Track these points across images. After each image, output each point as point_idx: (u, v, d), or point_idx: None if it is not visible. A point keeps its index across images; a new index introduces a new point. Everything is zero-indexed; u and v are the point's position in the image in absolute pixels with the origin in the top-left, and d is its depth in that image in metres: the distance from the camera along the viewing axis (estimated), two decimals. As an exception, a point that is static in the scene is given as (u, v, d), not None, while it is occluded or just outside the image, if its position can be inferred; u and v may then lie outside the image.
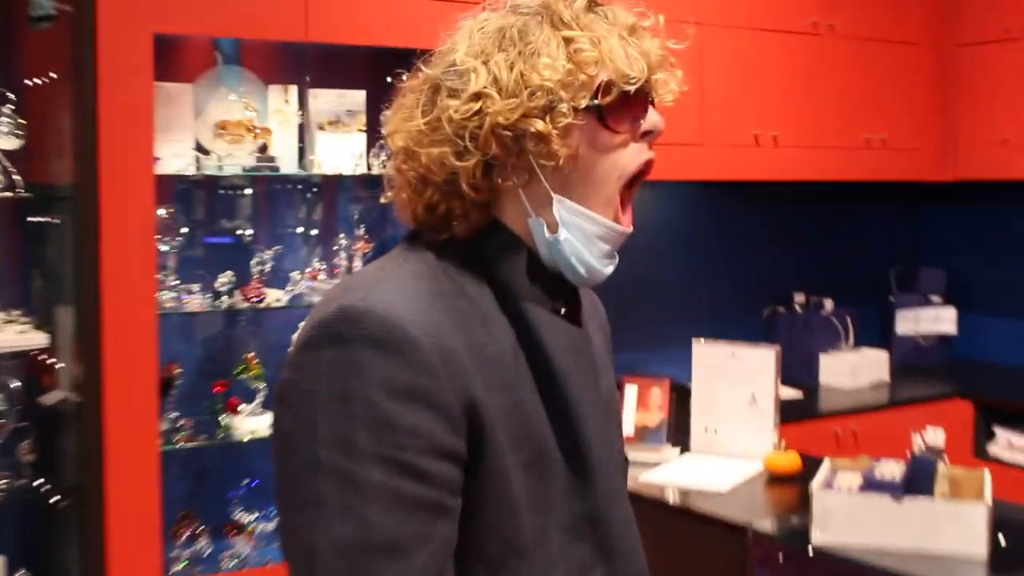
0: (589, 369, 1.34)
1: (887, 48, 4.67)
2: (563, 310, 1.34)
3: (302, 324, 1.24)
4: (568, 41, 1.25)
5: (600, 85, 1.25)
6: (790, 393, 4.25)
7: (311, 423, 1.13)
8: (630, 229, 1.30)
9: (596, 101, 1.25)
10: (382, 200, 1.36)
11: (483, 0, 1.31)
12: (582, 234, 1.27)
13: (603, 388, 1.38)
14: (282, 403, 1.19)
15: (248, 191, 3.59)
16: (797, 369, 4.52)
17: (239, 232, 3.56)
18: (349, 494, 1.11)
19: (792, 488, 3.03)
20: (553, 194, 1.26)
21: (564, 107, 1.23)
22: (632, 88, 1.26)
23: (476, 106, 1.23)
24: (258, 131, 3.32)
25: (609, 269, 1.31)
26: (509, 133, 1.23)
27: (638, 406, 3.35)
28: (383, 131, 1.35)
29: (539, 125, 1.22)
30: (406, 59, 1.33)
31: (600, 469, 1.30)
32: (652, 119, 1.29)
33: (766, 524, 2.75)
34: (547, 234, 1.27)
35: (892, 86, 4.70)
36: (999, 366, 5.04)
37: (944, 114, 4.83)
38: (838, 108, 4.52)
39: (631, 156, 1.29)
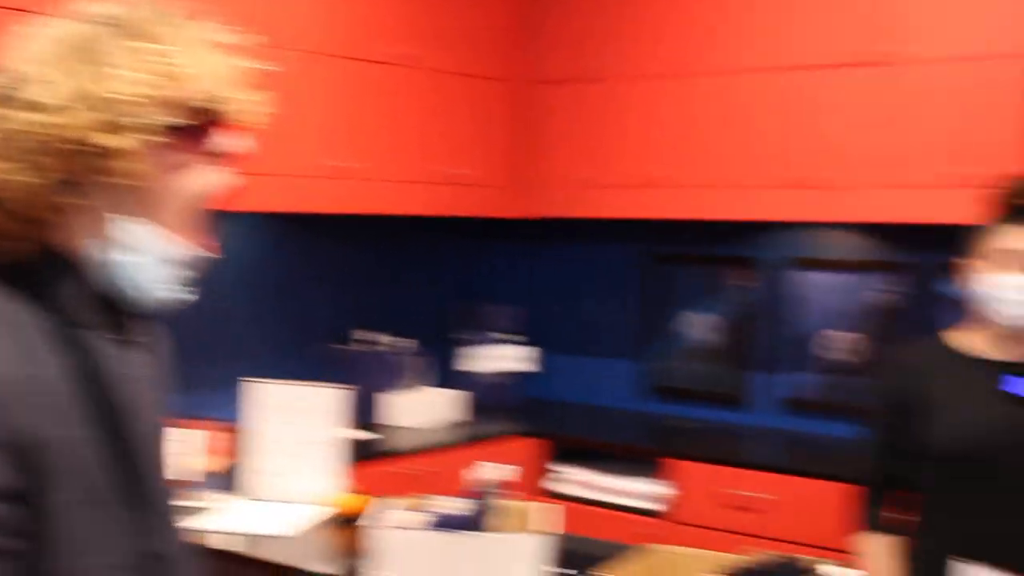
0: (151, 402, 1.34)
1: (466, 82, 4.87)
2: (127, 338, 1.31)
3: None
4: (146, 54, 1.22)
5: (179, 103, 1.23)
6: (353, 433, 4.35)
7: None
8: (207, 252, 1.30)
9: (174, 120, 1.23)
10: None
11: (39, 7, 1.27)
12: (151, 258, 1.25)
13: (160, 423, 1.38)
14: None
15: None
16: (360, 408, 4.63)
17: None
18: None
19: (358, 530, 3.14)
20: (121, 215, 1.24)
21: (139, 123, 1.20)
22: (212, 107, 1.25)
23: (40, 118, 1.18)
24: None
25: (180, 295, 1.29)
26: (77, 149, 1.19)
27: (195, 451, 3.33)
28: None
29: (111, 142, 1.19)
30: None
31: (160, 506, 1.31)
32: (229, 141, 1.29)
33: (328, 567, 2.84)
34: (112, 257, 1.24)
35: (471, 121, 4.89)
36: (568, 404, 5.37)
37: (522, 151, 5.08)
38: (415, 142, 4.65)
39: (205, 178, 1.28)
